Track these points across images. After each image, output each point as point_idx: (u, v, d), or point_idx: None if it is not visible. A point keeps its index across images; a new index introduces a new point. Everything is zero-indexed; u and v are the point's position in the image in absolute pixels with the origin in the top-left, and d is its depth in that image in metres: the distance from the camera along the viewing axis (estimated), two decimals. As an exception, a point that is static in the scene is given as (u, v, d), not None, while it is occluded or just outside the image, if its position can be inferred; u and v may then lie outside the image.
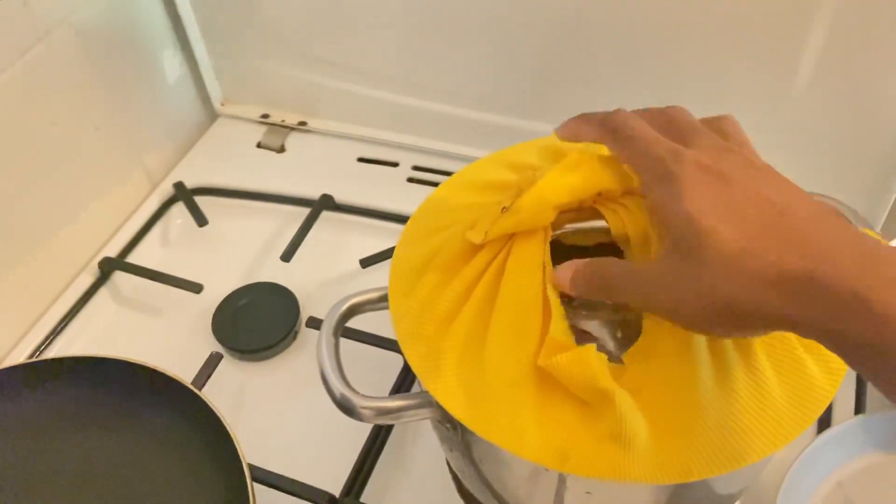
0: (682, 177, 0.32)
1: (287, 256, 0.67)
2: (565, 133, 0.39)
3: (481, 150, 0.50)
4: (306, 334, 0.64)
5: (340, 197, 0.73)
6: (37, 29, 0.62)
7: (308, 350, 0.63)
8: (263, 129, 0.83)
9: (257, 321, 0.64)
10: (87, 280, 0.69)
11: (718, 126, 0.36)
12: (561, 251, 0.39)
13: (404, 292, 0.41)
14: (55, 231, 0.67)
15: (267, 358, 0.63)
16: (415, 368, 0.39)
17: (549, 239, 0.39)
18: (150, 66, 0.76)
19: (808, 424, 0.35)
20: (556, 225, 0.39)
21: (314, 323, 0.62)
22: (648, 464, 0.34)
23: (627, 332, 0.38)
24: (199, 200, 0.74)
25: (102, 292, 0.69)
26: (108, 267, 0.70)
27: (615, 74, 0.65)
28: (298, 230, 0.70)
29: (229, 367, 0.62)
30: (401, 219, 0.70)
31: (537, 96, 0.70)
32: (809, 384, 0.36)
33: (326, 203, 0.73)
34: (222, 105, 0.84)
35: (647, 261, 0.35)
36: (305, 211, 0.72)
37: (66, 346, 0.65)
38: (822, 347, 0.30)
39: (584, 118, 0.39)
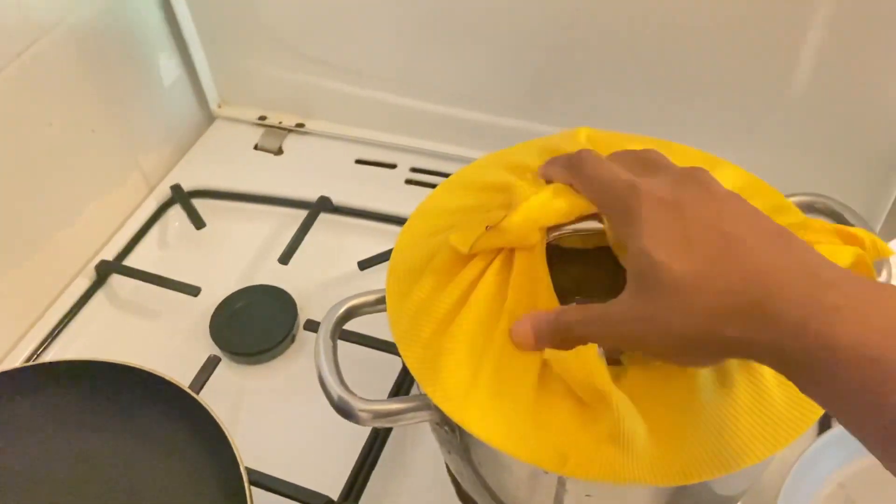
0: (639, 213, 0.33)
1: (285, 259, 0.67)
2: (541, 176, 0.41)
3: (480, 151, 0.50)
4: (304, 337, 0.64)
5: (338, 199, 0.73)
6: (32, 30, 0.61)
7: (306, 353, 0.63)
8: (261, 131, 0.82)
9: (255, 324, 0.63)
10: (83, 283, 0.69)
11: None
12: (561, 255, 0.39)
13: (401, 295, 0.41)
14: (51, 234, 0.67)
15: (265, 361, 0.62)
16: (413, 371, 0.38)
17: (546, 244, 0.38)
18: (146, 67, 0.76)
19: (807, 426, 0.35)
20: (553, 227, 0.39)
21: (312, 326, 0.62)
22: (647, 465, 0.34)
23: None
24: (197, 203, 0.74)
25: (99, 296, 0.68)
26: (104, 270, 0.69)
27: (613, 75, 0.65)
28: (296, 232, 0.69)
29: (227, 371, 0.62)
30: (399, 220, 0.70)
31: (536, 97, 0.70)
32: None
33: (324, 205, 0.73)
34: (219, 107, 0.84)
35: (612, 300, 0.35)
36: (303, 213, 0.72)
37: (63, 350, 0.65)
38: None
39: (551, 161, 0.40)
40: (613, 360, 0.36)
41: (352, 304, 0.44)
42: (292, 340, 0.64)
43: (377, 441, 0.56)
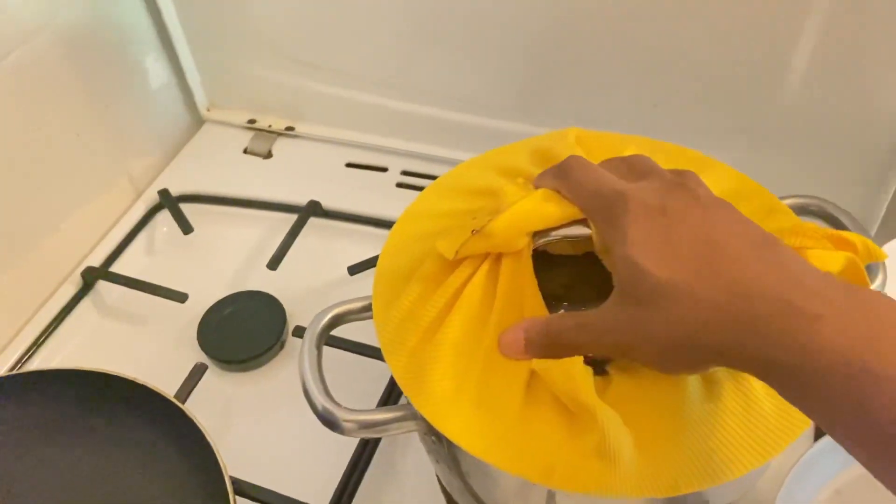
0: (625, 219, 0.33)
1: (274, 264, 0.66)
2: (535, 186, 0.40)
3: (471, 154, 0.49)
4: (293, 343, 0.63)
5: (328, 203, 0.72)
6: (17, 33, 0.61)
7: (295, 360, 0.61)
8: (250, 134, 0.82)
9: (243, 330, 0.63)
10: (69, 290, 0.68)
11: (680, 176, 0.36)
12: (549, 262, 0.38)
13: (388, 302, 0.40)
14: (37, 240, 0.66)
15: (253, 368, 0.62)
16: (398, 380, 0.38)
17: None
18: (134, 71, 0.75)
19: (796, 435, 0.35)
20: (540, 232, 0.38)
21: (301, 332, 0.61)
22: (635, 478, 0.33)
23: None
24: (185, 208, 0.73)
25: (86, 302, 0.68)
26: (91, 276, 0.68)
27: (604, 75, 0.64)
28: (285, 237, 0.69)
29: (214, 378, 0.61)
30: (390, 225, 0.67)
31: (526, 99, 0.69)
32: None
33: (314, 209, 0.72)
34: (208, 110, 0.83)
35: (598, 307, 0.34)
36: (293, 217, 0.71)
37: (49, 358, 0.64)
38: None
39: (542, 173, 0.40)
40: (600, 370, 0.36)
41: (337, 312, 0.43)
42: (281, 347, 0.63)
43: (367, 450, 0.55)
